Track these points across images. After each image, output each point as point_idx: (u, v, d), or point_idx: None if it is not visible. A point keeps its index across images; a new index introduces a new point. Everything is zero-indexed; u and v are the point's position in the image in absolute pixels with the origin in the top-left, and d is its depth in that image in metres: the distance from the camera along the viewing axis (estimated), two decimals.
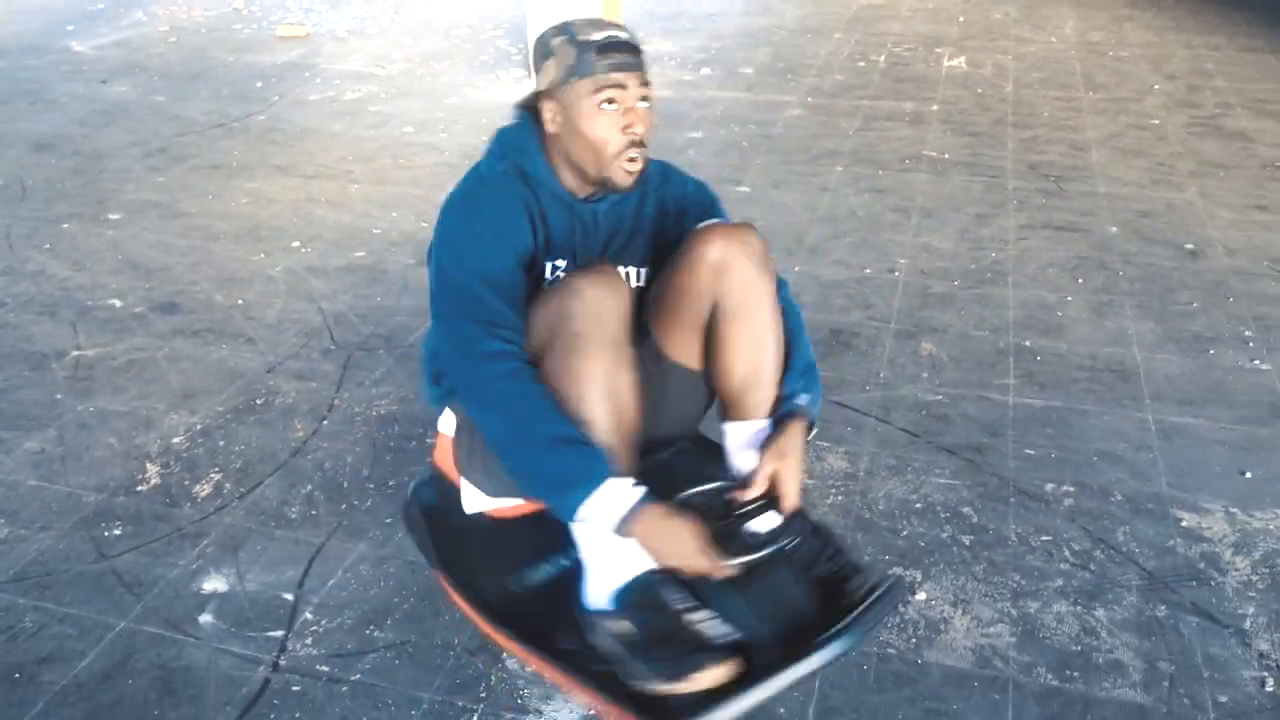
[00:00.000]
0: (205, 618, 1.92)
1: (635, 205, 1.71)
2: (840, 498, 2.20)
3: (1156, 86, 4.83)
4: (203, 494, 2.24)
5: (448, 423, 1.76)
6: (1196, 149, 4.05)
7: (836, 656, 1.40)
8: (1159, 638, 1.84)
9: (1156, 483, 2.22)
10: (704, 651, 1.40)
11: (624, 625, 1.43)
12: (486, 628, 1.64)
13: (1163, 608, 1.90)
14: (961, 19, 6.13)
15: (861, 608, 1.44)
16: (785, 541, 1.51)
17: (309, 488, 2.26)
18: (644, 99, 1.58)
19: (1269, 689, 1.73)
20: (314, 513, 2.18)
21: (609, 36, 1.55)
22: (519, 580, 1.66)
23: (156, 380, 2.66)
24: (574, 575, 1.56)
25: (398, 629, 1.89)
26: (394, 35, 6.02)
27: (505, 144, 1.67)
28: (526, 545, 1.69)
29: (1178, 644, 1.82)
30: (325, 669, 1.80)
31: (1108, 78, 4.98)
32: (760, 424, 1.62)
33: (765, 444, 1.58)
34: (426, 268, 1.67)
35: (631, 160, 1.59)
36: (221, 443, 2.41)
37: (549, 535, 1.60)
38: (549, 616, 1.57)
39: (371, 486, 2.26)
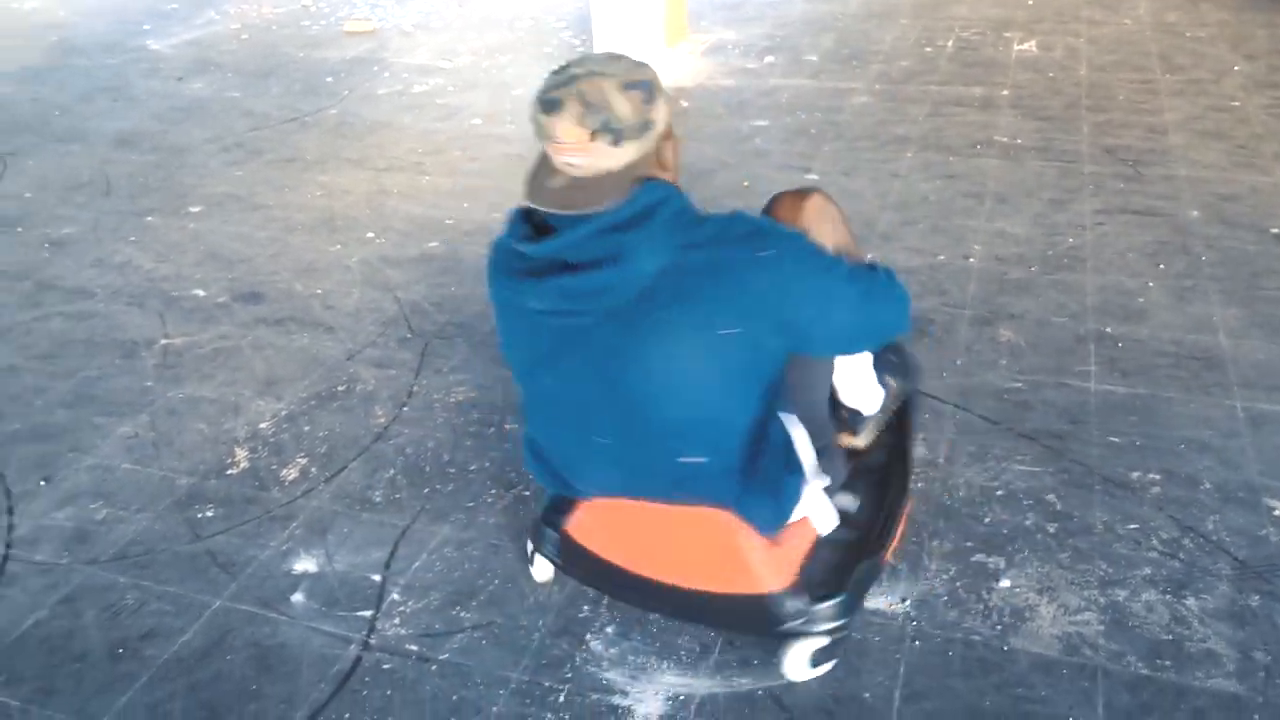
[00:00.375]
0: (297, 597, 1.97)
1: None
2: (921, 484, 2.18)
3: (1236, 67, 4.70)
4: (290, 478, 2.30)
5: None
6: (1279, 131, 3.94)
7: None
8: (1253, 628, 1.80)
9: (1247, 471, 2.17)
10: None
11: (894, 382, 2.07)
12: None
13: (1256, 597, 1.87)
14: (1030, 1, 6.01)
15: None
16: None
17: (392, 472, 2.30)
18: None
19: None
20: (397, 496, 2.23)
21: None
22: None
23: (242, 367, 2.73)
24: None
25: (483, 610, 1.92)
26: (459, 29, 6.08)
27: (683, 209, 1.51)
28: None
29: (1273, 634, 1.79)
30: (414, 648, 1.84)
31: (1185, 59, 4.85)
32: None
33: None
34: (811, 331, 1.56)
35: None
36: (306, 428, 2.47)
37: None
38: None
39: (453, 471, 2.30)
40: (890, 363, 2.08)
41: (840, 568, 1.77)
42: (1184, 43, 5.11)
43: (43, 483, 2.32)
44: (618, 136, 1.44)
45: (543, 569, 1.95)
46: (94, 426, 2.51)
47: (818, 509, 1.76)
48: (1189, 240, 3.14)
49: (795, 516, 1.73)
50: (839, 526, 1.80)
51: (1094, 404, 2.41)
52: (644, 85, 1.46)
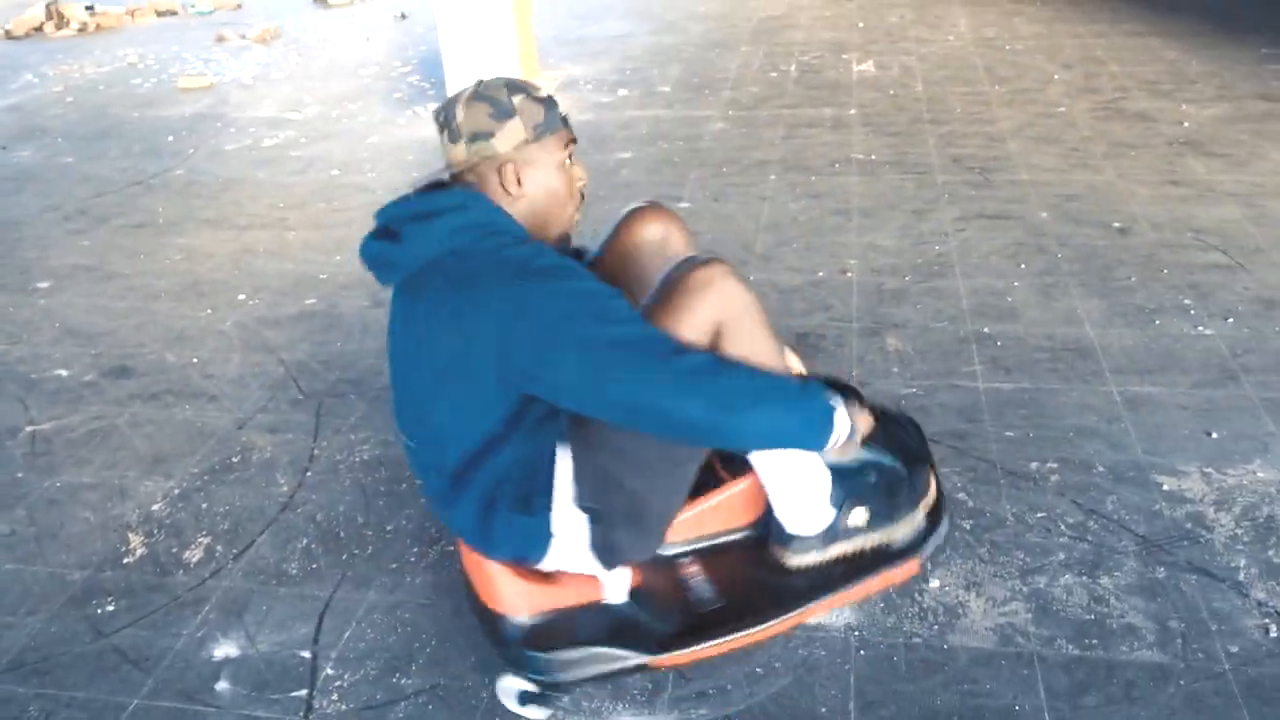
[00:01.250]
0: (221, 685, 1.86)
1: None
2: None
3: (1056, 76, 5.05)
4: (195, 559, 2.18)
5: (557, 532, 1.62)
6: (1105, 131, 4.25)
7: None
8: (1164, 598, 1.92)
9: (1132, 451, 2.32)
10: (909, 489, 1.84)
11: (860, 511, 1.78)
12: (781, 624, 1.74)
13: (1162, 569, 1.99)
14: (861, 24, 6.31)
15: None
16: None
17: (305, 541, 2.21)
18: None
19: (1273, 634, 1.82)
20: (314, 567, 2.14)
21: (549, 93, 1.64)
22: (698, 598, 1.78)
23: (122, 448, 2.57)
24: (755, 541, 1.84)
25: (425, 674, 1.86)
26: (301, 79, 5.94)
27: (487, 224, 1.53)
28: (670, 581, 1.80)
29: (1182, 602, 1.91)
30: None
31: (1009, 71, 5.18)
32: None
33: None
34: (536, 377, 1.48)
35: (577, 210, 1.67)
36: (204, 505, 2.34)
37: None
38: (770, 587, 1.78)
39: (370, 533, 2.22)
40: (868, 484, 1.80)
41: (587, 637, 1.66)
42: (1005, 55, 5.46)
43: None
44: (453, 136, 1.57)
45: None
46: None
47: (593, 570, 1.66)
48: (1043, 240, 3.34)
49: (552, 564, 1.65)
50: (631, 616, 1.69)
51: (985, 402, 2.53)
52: (497, 103, 1.56)
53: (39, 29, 7.55)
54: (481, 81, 1.61)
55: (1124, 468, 2.27)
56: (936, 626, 1.90)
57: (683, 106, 4.97)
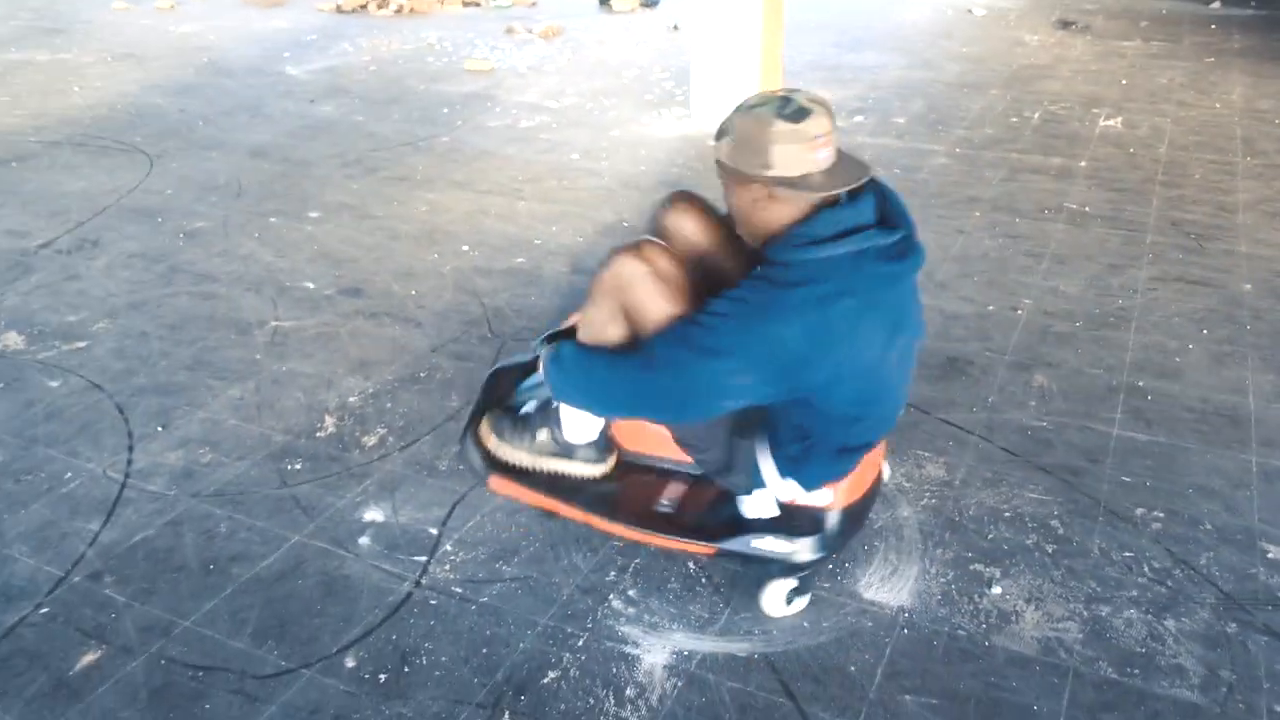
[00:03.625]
0: (363, 540, 2.25)
1: None
2: (934, 501, 2.36)
3: None
4: (369, 443, 2.60)
5: None
6: None
7: None
8: (1224, 650, 1.94)
9: (1248, 518, 2.30)
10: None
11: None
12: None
13: (1234, 625, 2.00)
14: (1124, 81, 6.14)
15: None
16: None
17: (458, 448, 2.58)
18: None
19: None
20: (460, 468, 2.50)
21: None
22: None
23: (338, 350, 3.06)
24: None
25: (522, 566, 2.17)
26: (569, 73, 6.49)
27: None
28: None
29: (1243, 657, 1.92)
30: (458, 590, 2.10)
31: (1269, 144, 4.93)
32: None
33: None
34: None
35: None
36: (389, 404, 2.77)
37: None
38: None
39: None
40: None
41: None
42: (1272, 129, 5.18)
43: (160, 429, 2.67)
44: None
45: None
46: (208, 387, 2.86)
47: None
48: (1236, 310, 3.25)
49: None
50: None
51: (1114, 447, 2.56)
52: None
53: (363, 6, 8.59)
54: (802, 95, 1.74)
55: (1233, 530, 2.26)
56: (985, 626, 2.00)
57: (912, 139, 5.08)
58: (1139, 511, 2.32)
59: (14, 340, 3.12)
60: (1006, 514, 2.32)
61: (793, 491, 1.93)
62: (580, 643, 1.97)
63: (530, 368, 2.33)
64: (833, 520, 1.95)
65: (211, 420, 2.70)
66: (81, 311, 3.30)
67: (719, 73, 5.26)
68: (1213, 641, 1.96)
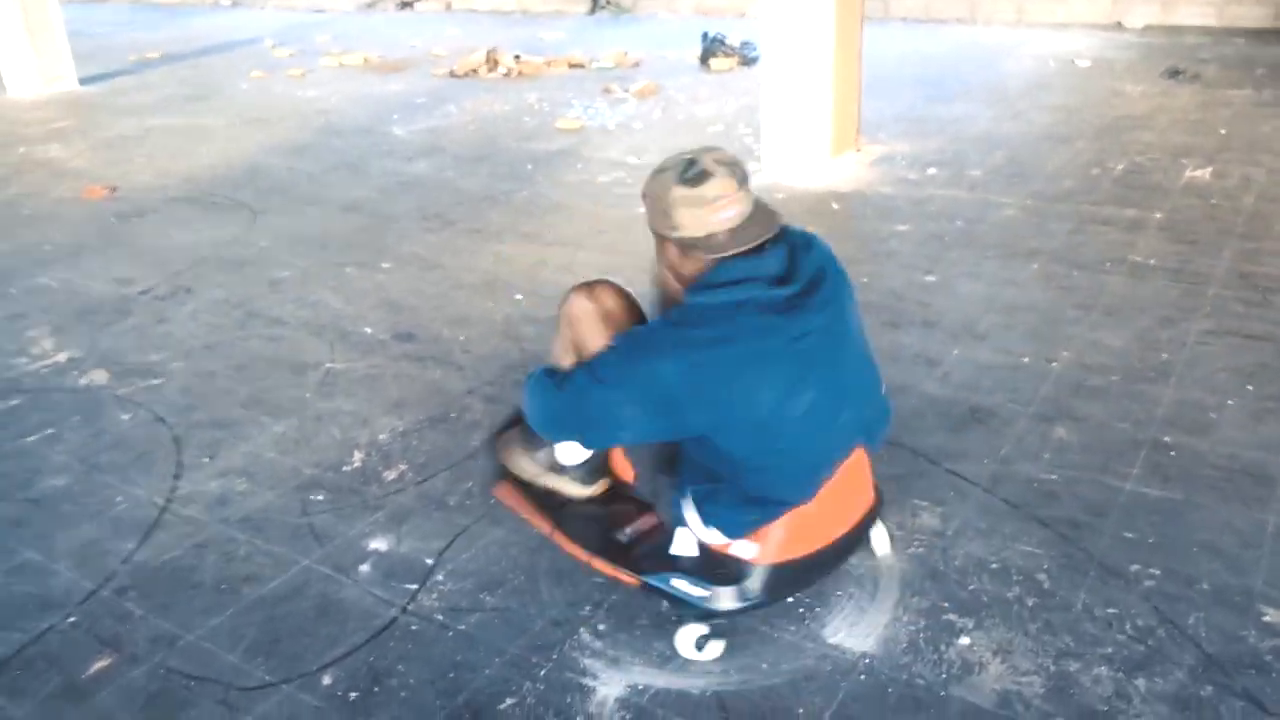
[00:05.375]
0: (364, 567, 2.39)
1: None
2: (921, 550, 2.36)
3: None
4: (389, 478, 2.76)
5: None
6: None
7: None
8: (1194, 713, 1.87)
9: (1251, 579, 2.21)
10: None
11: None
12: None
13: (1210, 688, 1.93)
14: (1223, 131, 5.93)
15: None
16: None
17: (470, 484, 2.71)
18: None
19: None
20: (468, 503, 2.63)
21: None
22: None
23: (380, 390, 3.25)
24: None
25: (504, 598, 2.27)
26: (655, 131, 6.68)
27: None
28: None
29: None
30: (440, 618, 2.22)
31: None
32: None
33: None
34: None
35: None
36: (415, 442, 2.93)
37: None
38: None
39: None
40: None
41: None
42: None
43: (207, 460, 2.89)
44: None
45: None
46: (257, 423, 3.09)
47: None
48: None
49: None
50: None
51: (1122, 502, 2.50)
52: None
53: (475, 71, 9.03)
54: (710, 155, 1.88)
55: (1231, 591, 2.18)
56: (945, 676, 1.99)
57: (984, 191, 5.03)
58: (1133, 568, 2.26)
59: (100, 376, 3.43)
60: (993, 565, 2.30)
61: (716, 538, 1.98)
62: (542, 673, 2.05)
63: None
64: (756, 574, 1.98)
65: (253, 453, 2.92)
66: (163, 351, 3.61)
67: (789, 126, 5.35)
68: (1183, 703, 1.90)
